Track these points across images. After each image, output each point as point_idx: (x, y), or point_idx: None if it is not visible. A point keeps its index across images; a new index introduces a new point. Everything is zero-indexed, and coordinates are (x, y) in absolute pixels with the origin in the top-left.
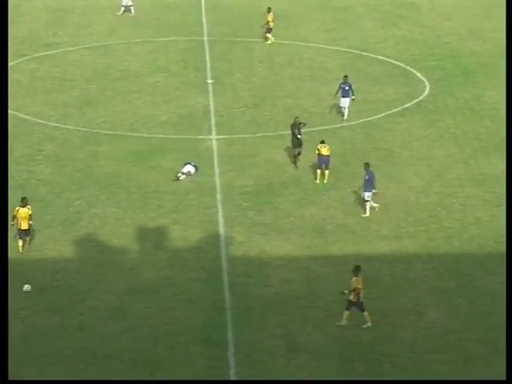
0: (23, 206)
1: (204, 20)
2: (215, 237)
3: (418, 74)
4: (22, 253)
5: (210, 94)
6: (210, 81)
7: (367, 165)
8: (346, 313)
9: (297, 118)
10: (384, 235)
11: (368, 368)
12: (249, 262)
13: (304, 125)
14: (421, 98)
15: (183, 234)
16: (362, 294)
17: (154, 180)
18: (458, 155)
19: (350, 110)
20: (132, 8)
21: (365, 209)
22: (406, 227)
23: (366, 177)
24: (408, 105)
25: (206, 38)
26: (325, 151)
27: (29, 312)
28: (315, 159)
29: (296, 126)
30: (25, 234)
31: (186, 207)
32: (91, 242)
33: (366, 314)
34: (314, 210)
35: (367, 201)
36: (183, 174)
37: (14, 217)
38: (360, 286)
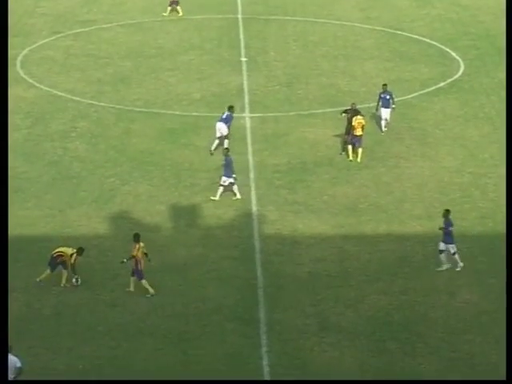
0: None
1: None
2: (248, 215)
3: (453, 54)
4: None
5: (244, 72)
6: (243, 59)
7: (226, 150)
8: (132, 278)
9: (353, 104)
10: (417, 215)
11: (400, 347)
12: (281, 240)
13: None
14: (455, 77)
15: (216, 212)
16: (142, 262)
17: (188, 158)
18: (492, 135)
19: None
20: None
21: (216, 192)
22: (440, 207)
23: (224, 162)
24: (442, 84)
25: (240, 16)
26: (358, 131)
27: (61, 288)
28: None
29: (350, 112)
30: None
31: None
32: (124, 220)
33: (144, 282)
34: (347, 188)
35: (222, 184)
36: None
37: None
38: (139, 254)
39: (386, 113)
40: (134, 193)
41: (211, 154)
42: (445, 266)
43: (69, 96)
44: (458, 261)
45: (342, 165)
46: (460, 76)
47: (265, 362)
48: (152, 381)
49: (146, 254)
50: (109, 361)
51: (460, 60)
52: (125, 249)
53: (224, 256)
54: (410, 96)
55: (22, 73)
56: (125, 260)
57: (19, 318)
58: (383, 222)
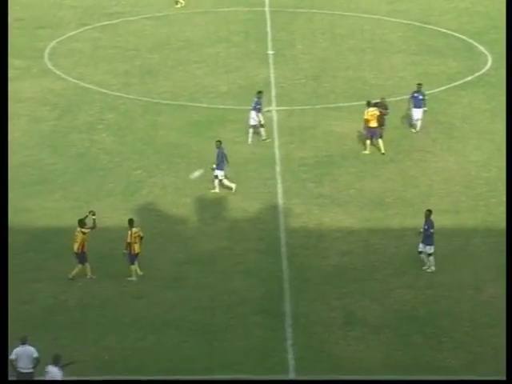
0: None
1: None
2: (274, 208)
3: (481, 47)
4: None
5: (271, 65)
6: (270, 52)
7: (219, 142)
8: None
9: (383, 98)
10: (443, 209)
11: (425, 341)
12: (307, 233)
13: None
14: (483, 71)
15: (242, 205)
16: (135, 247)
17: (214, 150)
18: None
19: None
20: None
21: (225, 186)
22: (466, 201)
23: (216, 155)
24: (470, 78)
25: (267, 9)
26: (373, 123)
27: (87, 280)
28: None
29: (380, 105)
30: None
31: (246, 178)
32: (151, 211)
33: (133, 267)
34: (374, 182)
35: (221, 179)
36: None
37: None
38: (130, 240)
39: (417, 113)
40: (160, 185)
41: (266, 140)
42: (429, 267)
43: (96, 88)
44: (432, 263)
45: (368, 158)
46: (487, 70)
47: (290, 356)
48: (151, 381)
49: (141, 237)
50: (134, 352)
51: (488, 54)
52: (150, 240)
53: (250, 249)
54: (437, 90)
55: (49, 64)
56: (125, 251)
57: (45, 308)
58: (409, 215)
